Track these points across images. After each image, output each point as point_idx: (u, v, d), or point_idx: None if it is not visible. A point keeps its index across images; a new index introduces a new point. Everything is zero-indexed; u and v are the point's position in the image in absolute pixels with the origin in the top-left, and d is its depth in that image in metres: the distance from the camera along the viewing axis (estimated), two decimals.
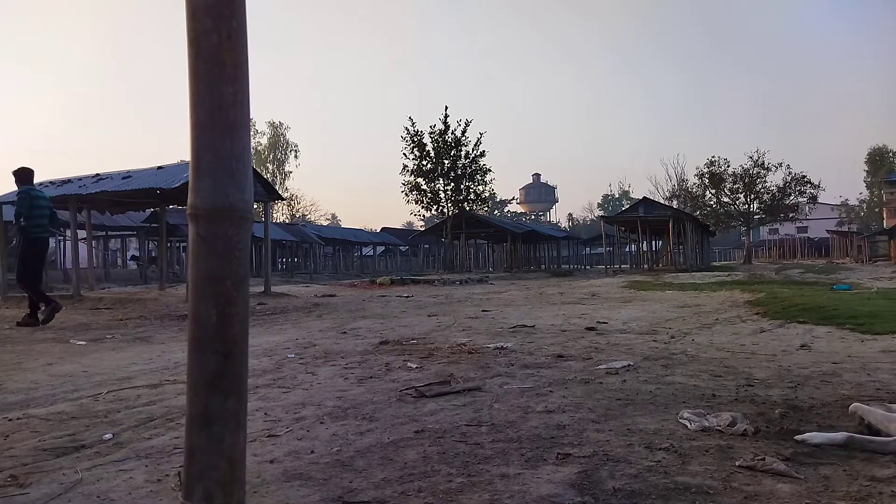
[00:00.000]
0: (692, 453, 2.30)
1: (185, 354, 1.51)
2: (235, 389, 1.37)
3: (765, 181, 45.69)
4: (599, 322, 7.09)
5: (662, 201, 47.16)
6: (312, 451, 2.44)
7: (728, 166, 46.11)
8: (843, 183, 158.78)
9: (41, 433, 2.78)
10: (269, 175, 56.63)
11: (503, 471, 2.17)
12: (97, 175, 14.75)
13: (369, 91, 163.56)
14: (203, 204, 1.37)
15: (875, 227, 58.79)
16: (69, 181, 14.87)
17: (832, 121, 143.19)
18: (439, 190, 34.04)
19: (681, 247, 33.86)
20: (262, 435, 2.67)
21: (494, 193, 39.55)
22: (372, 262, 50.66)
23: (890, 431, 2.35)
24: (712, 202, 48.01)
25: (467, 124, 33.65)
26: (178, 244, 30.84)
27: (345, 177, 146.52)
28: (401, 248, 52.76)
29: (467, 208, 34.56)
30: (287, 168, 61.53)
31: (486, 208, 40.75)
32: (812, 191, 46.20)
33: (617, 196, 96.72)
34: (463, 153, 33.59)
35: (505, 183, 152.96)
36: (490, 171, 34.44)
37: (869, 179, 69.36)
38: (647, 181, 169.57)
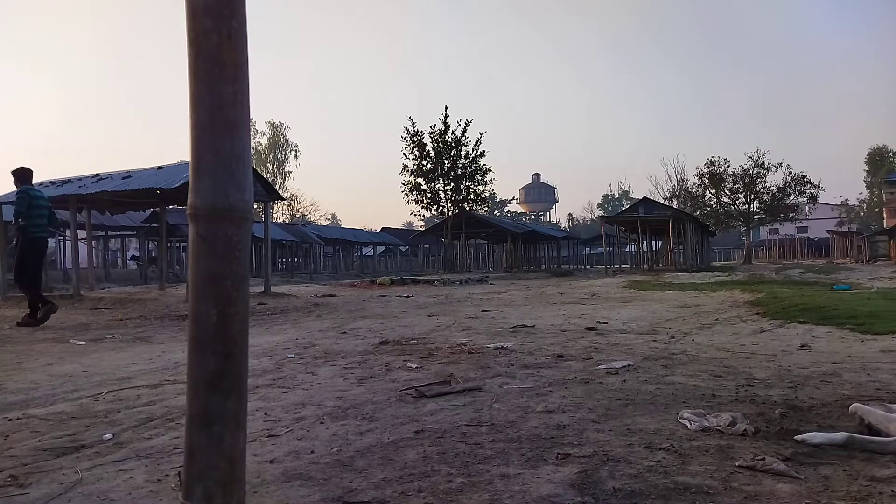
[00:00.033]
0: (692, 453, 2.30)
1: (185, 354, 1.51)
2: (235, 389, 1.37)
3: (765, 181, 45.74)
4: (599, 322, 7.09)
5: (662, 201, 47.17)
6: (312, 451, 2.44)
7: (728, 166, 46.16)
8: (843, 183, 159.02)
9: (41, 433, 2.78)
10: (269, 175, 56.64)
11: (503, 471, 2.17)
12: (97, 175, 14.75)
13: (369, 91, 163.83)
14: (203, 204, 1.37)
15: (875, 227, 58.79)
16: (69, 181, 14.87)
17: (832, 121, 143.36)
18: (439, 190, 34.05)
19: (681, 247, 33.86)
20: (262, 435, 2.67)
21: (494, 193, 39.60)
22: (372, 262, 50.66)
23: (890, 431, 2.35)
24: (712, 202, 48.02)
25: (467, 124, 33.70)
26: (178, 244, 30.84)
27: (345, 177, 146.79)
28: (401, 248, 52.76)
29: (467, 208, 34.56)
30: (287, 168, 61.62)
31: (486, 208, 40.76)
32: (812, 191, 46.23)
33: (617, 196, 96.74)
34: (463, 153, 33.60)
35: (505, 183, 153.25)
36: (490, 171, 34.50)
37: (869, 179, 69.38)
38: (647, 181, 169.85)
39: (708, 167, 46.73)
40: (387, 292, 15.34)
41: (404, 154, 33.67)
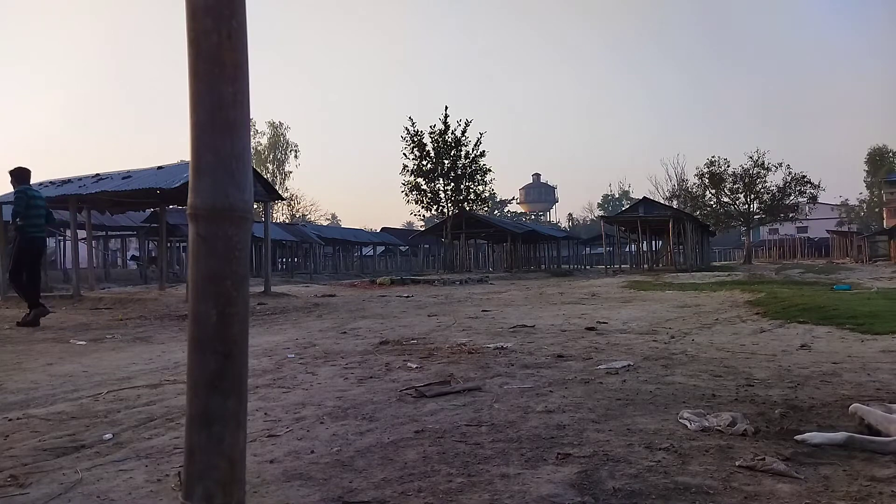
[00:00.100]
0: (692, 453, 2.30)
1: (185, 354, 1.51)
2: (235, 389, 1.37)
3: (765, 181, 45.76)
4: (599, 322, 7.09)
5: (662, 201, 47.18)
6: (312, 451, 2.44)
7: (728, 166, 46.17)
8: (843, 183, 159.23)
9: (41, 433, 2.78)
10: (269, 175, 56.64)
11: (503, 471, 2.17)
12: (97, 175, 14.75)
13: (369, 91, 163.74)
14: (203, 204, 1.37)
15: (875, 227, 58.79)
16: (69, 181, 14.88)
17: (832, 121, 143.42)
18: (439, 190, 34.06)
19: (681, 247, 33.86)
20: (262, 435, 2.67)
21: (494, 193, 39.62)
22: (372, 262, 50.66)
23: (890, 432, 2.35)
24: (712, 202, 48.02)
25: (467, 124, 33.72)
26: (178, 244, 30.84)
27: (345, 177, 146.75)
28: (401, 248, 52.77)
29: (467, 208, 34.57)
30: (287, 168, 61.65)
31: (486, 208, 40.77)
32: (812, 191, 46.25)
33: (617, 196, 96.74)
34: (463, 153, 33.62)
35: (505, 183, 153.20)
36: (490, 171, 34.53)
37: (869, 179, 69.38)
38: (647, 181, 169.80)
39: (708, 167, 46.76)
40: (387, 292, 15.34)
41: (404, 154, 33.74)
